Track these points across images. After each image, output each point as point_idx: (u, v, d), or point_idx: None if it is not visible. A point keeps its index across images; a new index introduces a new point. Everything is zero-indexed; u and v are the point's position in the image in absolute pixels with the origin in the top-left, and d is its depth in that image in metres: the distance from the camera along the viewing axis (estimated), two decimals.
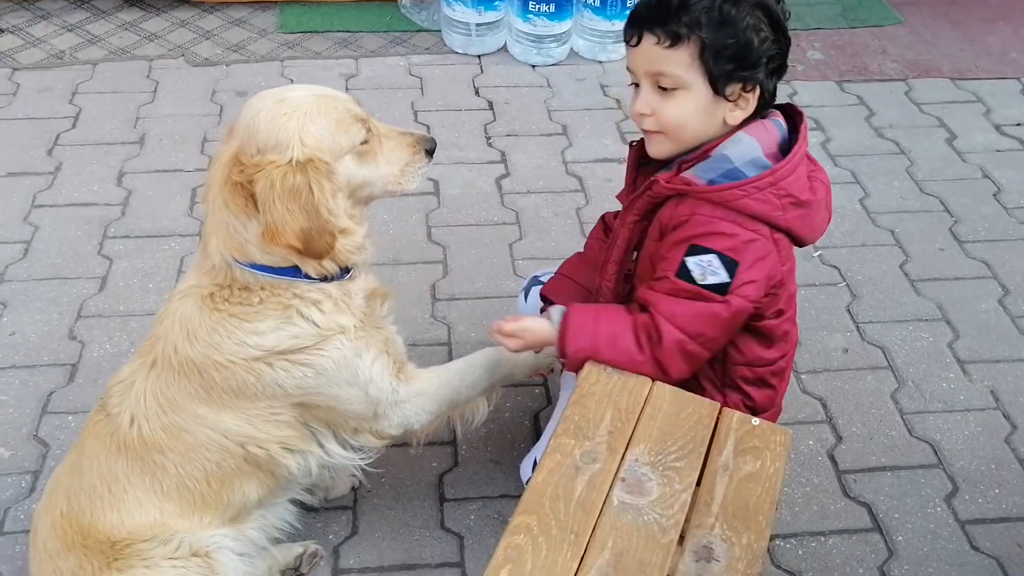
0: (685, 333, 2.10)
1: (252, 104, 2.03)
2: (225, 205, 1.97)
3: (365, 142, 2.08)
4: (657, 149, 2.22)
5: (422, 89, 4.42)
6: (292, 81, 4.41)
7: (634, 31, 2.14)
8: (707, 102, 2.12)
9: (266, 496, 2.24)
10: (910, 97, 4.48)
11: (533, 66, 4.60)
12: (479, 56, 4.65)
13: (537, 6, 4.43)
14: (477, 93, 4.41)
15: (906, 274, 3.47)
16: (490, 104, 4.33)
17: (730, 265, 2.08)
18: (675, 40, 2.07)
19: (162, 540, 2.04)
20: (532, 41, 4.56)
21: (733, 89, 2.11)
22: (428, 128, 4.13)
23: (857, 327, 3.25)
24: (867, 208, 3.79)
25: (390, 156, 2.14)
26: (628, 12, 2.17)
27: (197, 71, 4.48)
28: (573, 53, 4.68)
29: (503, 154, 4.01)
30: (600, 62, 4.63)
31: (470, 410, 2.42)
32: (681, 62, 2.08)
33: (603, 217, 2.66)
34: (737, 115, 2.14)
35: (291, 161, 1.92)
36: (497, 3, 4.54)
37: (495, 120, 4.22)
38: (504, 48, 4.70)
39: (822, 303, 3.35)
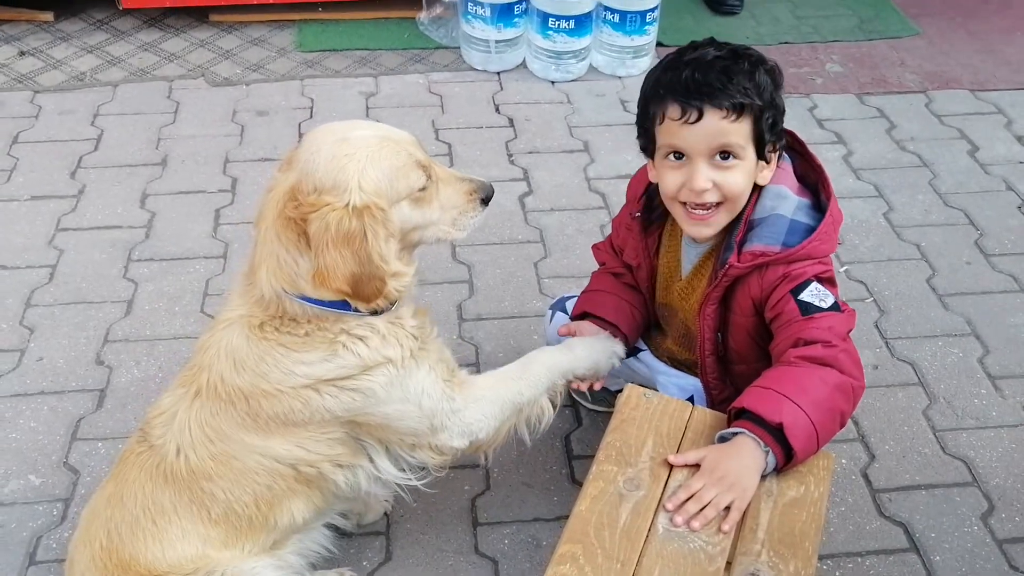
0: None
1: (313, 139, 1.99)
2: (277, 237, 1.95)
3: (423, 188, 2.04)
4: (714, 225, 2.24)
5: (442, 107, 4.42)
6: (312, 100, 4.42)
7: (693, 107, 2.10)
8: (753, 168, 2.19)
9: (311, 516, 2.22)
10: (930, 109, 4.47)
11: (552, 82, 4.60)
12: (498, 73, 4.65)
13: (557, 23, 4.42)
14: (497, 110, 4.40)
15: (933, 288, 3.46)
16: (511, 121, 4.32)
17: (830, 287, 2.23)
18: (740, 112, 2.10)
19: (206, 572, 2.03)
20: (551, 57, 4.55)
21: (769, 150, 2.20)
22: (450, 147, 4.13)
23: (886, 343, 3.23)
24: (891, 222, 3.77)
25: (445, 203, 2.10)
26: (672, 88, 2.12)
27: (217, 91, 4.49)
28: (592, 68, 4.68)
29: (525, 171, 4.00)
30: (619, 77, 4.63)
31: (536, 413, 2.32)
32: (742, 133, 2.13)
33: (603, 260, 2.72)
34: (766, 175, 2.23)
35: (348, 205, 1.89)
36: (516, 20, 4.54)
37: (516, 137, 4.21)
38: (523, 64, 4.70)
39: None
